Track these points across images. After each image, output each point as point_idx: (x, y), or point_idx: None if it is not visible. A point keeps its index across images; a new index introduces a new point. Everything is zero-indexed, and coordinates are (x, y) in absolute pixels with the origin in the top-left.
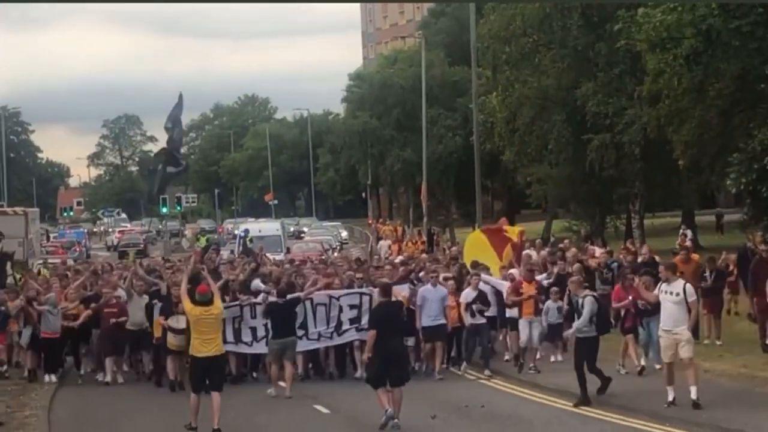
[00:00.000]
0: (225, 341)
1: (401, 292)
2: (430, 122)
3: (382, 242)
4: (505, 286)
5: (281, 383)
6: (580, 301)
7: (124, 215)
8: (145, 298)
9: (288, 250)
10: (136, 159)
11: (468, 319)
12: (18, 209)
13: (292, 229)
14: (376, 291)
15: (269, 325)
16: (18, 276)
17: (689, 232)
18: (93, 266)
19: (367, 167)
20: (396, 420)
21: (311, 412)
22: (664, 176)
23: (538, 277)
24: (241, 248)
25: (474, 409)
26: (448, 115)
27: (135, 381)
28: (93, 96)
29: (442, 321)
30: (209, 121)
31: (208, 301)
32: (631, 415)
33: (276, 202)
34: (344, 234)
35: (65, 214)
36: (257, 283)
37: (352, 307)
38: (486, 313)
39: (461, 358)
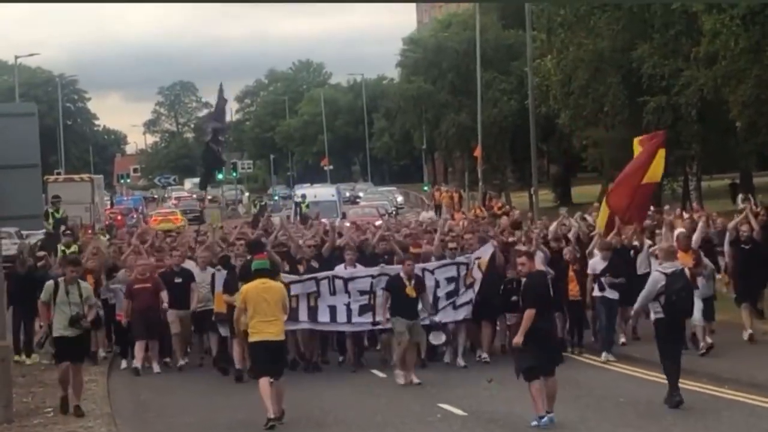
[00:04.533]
0: (298, 320)
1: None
2: (485, 86)
3: (423, 213)
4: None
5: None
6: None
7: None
8: (210, 271)
9: (344, 216)
10: (192, 125)
11: (595, 292)
12: (84, 176)
13: (347, 194)
14: (473, 257)
15: (351, 306)
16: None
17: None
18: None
19: (422, 132)
20: (551, 414)
21: (368, 375)
22: (721, 138)
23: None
24: (297, 215)
25: None
26: (503, 78)
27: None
28: (148, 63)
29: None
30: (264, 87)
31: (266, 272)
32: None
33: (331, 167)
34: (400, 199)
35: (122, 181)
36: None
37: (449, 280)
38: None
39: (581, 339)
